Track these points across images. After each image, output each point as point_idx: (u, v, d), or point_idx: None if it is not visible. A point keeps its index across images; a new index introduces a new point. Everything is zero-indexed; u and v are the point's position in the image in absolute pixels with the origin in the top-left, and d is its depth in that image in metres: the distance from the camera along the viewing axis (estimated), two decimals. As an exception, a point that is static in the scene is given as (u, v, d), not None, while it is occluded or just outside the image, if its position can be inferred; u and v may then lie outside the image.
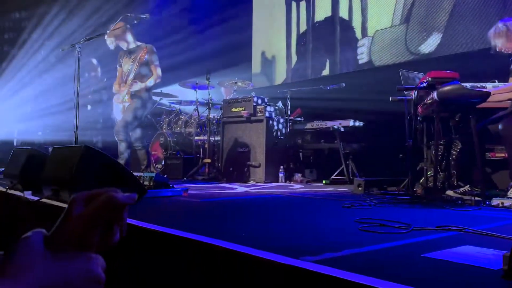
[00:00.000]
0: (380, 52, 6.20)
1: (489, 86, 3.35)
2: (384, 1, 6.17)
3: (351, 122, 5.43)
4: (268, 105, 5.69)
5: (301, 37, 7.40)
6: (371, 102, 5.27)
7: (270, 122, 5.57)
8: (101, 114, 6.78)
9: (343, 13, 6.74)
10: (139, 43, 5.14)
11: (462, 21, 5.23)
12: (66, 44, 4.49)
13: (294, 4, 7.55)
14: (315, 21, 7.18)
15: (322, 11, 7.07)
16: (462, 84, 3.01)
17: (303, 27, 7.37)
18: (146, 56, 4.93)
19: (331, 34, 6.87)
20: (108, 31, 4.82)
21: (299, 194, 3.82)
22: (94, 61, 7.07)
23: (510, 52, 3.45)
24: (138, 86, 4.92)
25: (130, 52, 5.10)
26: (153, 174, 3.31)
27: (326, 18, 7.02)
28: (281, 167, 5.47)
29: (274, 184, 5.19)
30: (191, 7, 8.87)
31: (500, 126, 3.15)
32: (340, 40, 6.77)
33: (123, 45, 5.13)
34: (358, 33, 6.51)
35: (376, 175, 4.50)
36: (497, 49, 3.45)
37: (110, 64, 6.74)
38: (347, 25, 6.68)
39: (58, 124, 7.51)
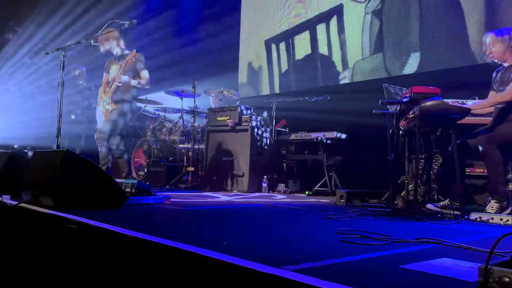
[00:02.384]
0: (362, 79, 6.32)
1: (469, 102, 3.43)
2: (356, 33, 6.32)
3: (335, 134, 5.48)
4: (253, 115, 5.71)
5: (284, 75, 7.50)
6: (355, 115, 5.33)
7: (255, 132, 5.58)
8: (86, 120, 6.71)
9: (323, 49, 6.85)
10: (128, 51, 5.13)
11: (435, 40, 5.38)
12: (51, 48, 4.44)
13: (274, 46, 7.65)
14: (296, 59, 7.29)
15: (302, 50, 7.18)
16: (444, 99, 3.07)
17: (285, 66, 7.48)
18: (133, 61, 4.91)
19: (313, 69, 6.99)
20: (99, 36, 4.80)
21: (281, 204, 3.83)
22: (81, 67, 7.01)
23: (499, 62, 3.47)
24: (125, 78, 4.87)
25: (119, 59, 5.08)
26: (135, 181, 3.28)
27: (306, 56, 7.13)
28: (265, 177, 5.48)
29: (257, 194, 5.19)
30: (179, 14, 8.89)
31: (479, 142, 3.21)
32: (322, 75, 6.87)
33: (114, 51, 5.11)
34: (339, 67, 6.60)
35: (358, 187, 4.54)
36: (490, 55, 3.43)
37: (96, 70, 6.70)
38: (327, 60, 6.78)
39: (40, 128, 7.41)
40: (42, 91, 8.10)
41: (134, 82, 4.95)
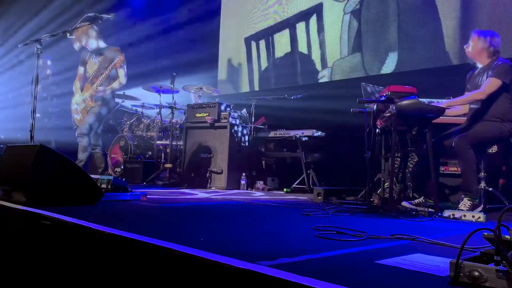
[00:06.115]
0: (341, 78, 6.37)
1: (444, 102, 3.50)
2: (335, 33, 6.37)
3: (313, 132, 5.51)
4: (232, 112, 5.69)
5: (263, 73, 7.51)
6: (333, 113, 5.38)
7: (234, 129, 5.57)
8: (54, 113, 6.55)
9: (302, 48, 6.88)
10: (107, 45, 5.04)
11: (412, 41, 5.48)
12: (25, 40, 4.33)
13: (254, 44, 7.65)
14: (275, 57, 7.30)
15: (282, 48, 7.20)
16: (420, 99, 3.12)
17: (264, 64, 7.49)
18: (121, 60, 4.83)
19: (292, 68, 7.00)
20: (71, 30, 4.70)
21: (259, 202, 3.84)
22: (46, 59, 6.85)
23: (472, 60, 3.54)
24: (104, 90, 4.83)
25: (97, 53, 4.99)
26: (111, 177, 3.23)
27: (286, 54, 7.14)
28: (243, 174, 5.48)
29: (236, 191, 5.19)
30: (157, 7, 8.78)
31: (454, 141, 3.28)
32: (301, 74, 6.88)
33: (91, 45, 5.01)
34: (318, 66, 6.62)
35: (336, 184, 4.58)
36: (466, 50, 3.52)
37: (61, 61, 6.56)
38: (306, 59, 6.81)
39: (11, 122, 7.23)
40: (18, 84, 7.90)
41: (115, 85, 4.90)
